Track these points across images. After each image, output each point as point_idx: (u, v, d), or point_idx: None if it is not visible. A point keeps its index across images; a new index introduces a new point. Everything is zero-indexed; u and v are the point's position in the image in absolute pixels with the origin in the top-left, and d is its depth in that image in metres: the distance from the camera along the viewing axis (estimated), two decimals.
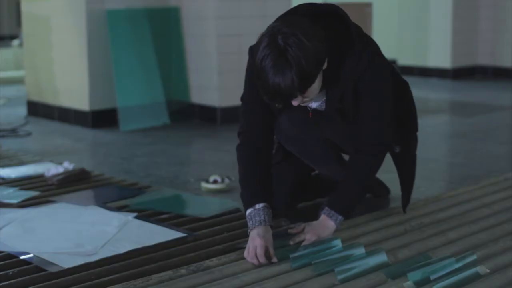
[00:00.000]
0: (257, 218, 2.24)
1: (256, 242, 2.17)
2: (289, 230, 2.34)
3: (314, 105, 2.38)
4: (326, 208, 2.32)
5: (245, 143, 2.39)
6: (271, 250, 2.17)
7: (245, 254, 2.20)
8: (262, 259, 2.14)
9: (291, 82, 2.02)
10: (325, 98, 2.33)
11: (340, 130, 2.40)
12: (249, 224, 2.25)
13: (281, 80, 2.02)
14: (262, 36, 2.08)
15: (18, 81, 6.90)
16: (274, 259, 2.16)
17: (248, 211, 2.27)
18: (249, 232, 2.24)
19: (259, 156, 2.37)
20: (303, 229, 2.32)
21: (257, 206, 2.26)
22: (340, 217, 2.31)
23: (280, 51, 2.02)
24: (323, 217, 2.32)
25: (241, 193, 2.34)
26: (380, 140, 2.35)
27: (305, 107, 2.38)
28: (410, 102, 2.59)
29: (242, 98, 2.41)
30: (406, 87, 2.57)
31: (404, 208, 2.64)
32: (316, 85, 2.14)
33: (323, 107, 2.36)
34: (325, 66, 2.15)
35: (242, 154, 2.38)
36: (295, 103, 2.15)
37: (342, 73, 2.25)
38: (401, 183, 2.63)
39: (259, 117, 2.37)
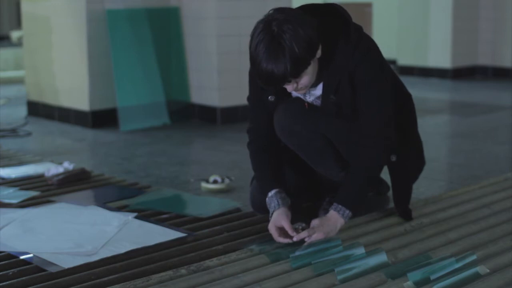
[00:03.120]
0: (272, 205, 2.38)
1: (270, 228, 2.32)
2: (294, 238, 2.31)
3: (310, 98, 2.39)
4: (335, 204, 2.32)
5: (253, 140, 2.53)
6: (286, 226, 2.29)
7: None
8: (280, 239, 2.28)
9: (283, 66, 2.10)
10: (321, 92, 2.35)
11: (336, 126, 2.40)
12: (270, 211, 2.39)
13: (274, 64, 2.10)
14: (258, 23, 2.17)
15: (18, 81, 6.90)
16: (293, 234, 2.27)
17: (267, 200, 2.40)
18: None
19: (266, 149, 2.49)
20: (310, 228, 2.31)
21: (269, 194, 2.40)
22: (347, 211, 2.31)
23: (274, 37, 2.10)
24: (332, 212, 2.32)
25: (258, 188, 2.49)
26: (380, 132, 2.34)
27: (302, 100, 2.40)
28: (410, 112, 2.59)
29: (248, 98, 2.51)
30: (408, 98, 2.58)
31: (405, 216, 2.59)
32: (310, 71, 2.20)
33: (319, 102, 2.38)
34: (319, 55, 2.21)
35: (251, 151, 2.53)
36: (289, 88, 2.23)
37: (337, 62, 2.28)
38: (393, 194, 2.60)
39: (264, 115, 2.46)
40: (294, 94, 2.41)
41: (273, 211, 2.36)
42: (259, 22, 2.16)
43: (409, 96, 2.59)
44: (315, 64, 2.22)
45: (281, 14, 2.14)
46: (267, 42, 2.10)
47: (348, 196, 2.33)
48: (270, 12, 2.18)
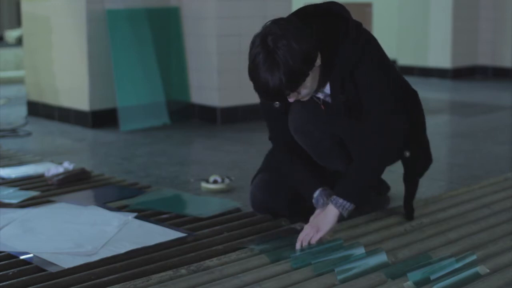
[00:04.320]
0: (319, 203, 2.40)
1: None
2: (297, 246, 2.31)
3: (321, 96, 2.40)
4: (333, 196, 2.32)
5: (276, 147, 2.56)
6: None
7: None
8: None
9: (278, 81, 2.12)
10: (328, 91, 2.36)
11: (348, 126, 2.39)
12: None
13: (270, 79, 2.12)
14: (255, 36, 2.18)
15: (18, 81, 6.90)
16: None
17: (314, 201, 2.43)
18: None
19: (292, 150, 2.50)
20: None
21: (315, 194, 2.42)
22: (348, 203, 2.29)
23: (269, 52, 2.12)
24: (328, 206, 2.32)
25: (298, 189, 2.50)
26: (383, 121, 2.33)
27: (317, 101, 2.40)
28: (418, 109, 2.60)
29: (260, 103, 2.50)
30: (415, 95, 2.60)
31: (409, 216, 2.61)
32: (309, 82, 2.21)
33: (329, 99, 2.39)
34: (318, 63, 2.21)
35: (279, 158, 2.56)
36: (291, 100, 2.24)
37: (340, 61, 2.28)
38: (405, 189, 2.62)
39: (278, 118, 2.48)
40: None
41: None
42: (256, 36, 2.17)
43: (415, 92, 2.60)
44: (316, 73, 2.23)
45: (277, 28, 2.14)
46: (263, 58, 2.12)
47: (347, 188, 2.32)
48: (267, 24, 2.18)
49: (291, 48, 2.11)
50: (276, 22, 2.18)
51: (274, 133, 2.54)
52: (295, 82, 2.15)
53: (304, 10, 2.34)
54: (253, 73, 2.15)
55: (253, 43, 2.17)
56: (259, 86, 2.16)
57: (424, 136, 2.63)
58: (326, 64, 2.25)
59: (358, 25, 2.33)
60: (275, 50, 2.10)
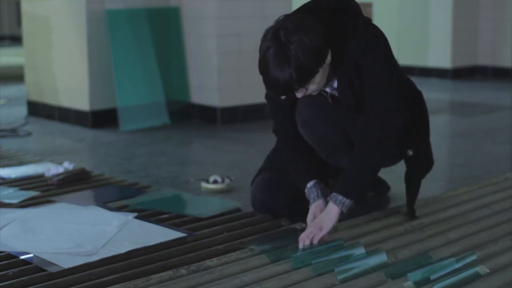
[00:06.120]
0: (311, 196, 2.42)
1: (308, 221, 2.37)
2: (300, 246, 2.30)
3: (329, 89, 2.40)
4: (333, 193, 2.31)
5: (280, 139, 2.56)
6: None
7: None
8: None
9: (289, 76, 2.11)
10: (336, 85, 2.36)
11: (355, 121, 2.39)
12: (310, 202, 2.42)
13: (280, 74, 2.12)
14: (267, 30, 2.17)
15: (18, 75, 6.88)
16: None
17: (306, 192, 2.43)
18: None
19: (296, 144, 2.49)
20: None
21: (308, 185, 2.43)
22: (347, 200, 2.29)
23: (281, 47, 2.11)
24: (328, 204, 2.32)
25: (295, 182, 2.50)
26: (384, 108, 2.32)
27: (325, 95, 2.40)
28: (423, 108, 2.61)
29: (265, 96, 2.50)
30: (419, 95, 2.62)
31: (411, 214, 2.61)
32: (319, 79, 2.21)
33: (336, 93, 2.39)
34: (329, 60, 2.21)
35: (282, 149, 2.55)
36: (299, 95, 2.24)
37: (347, 58, 2.29)
38: (407, 189, 2.62)
39: (284, 111, 2.48)
40: None
41: (312, 203, 2.39)
42: (268, 29, 2.17)
43: (419, 93, 2.61)
44: (325, 70, 2.23)
45: (290, 23, 2.14)
46: (275, 51, 2.11)
47: (347, 184, 2.31)
48: (280, 18, 2.18)
49: (303, 44, 2.10)
50: (289, 16, 2.19)
51: (279, 126, 2.54)
52: (305, 78, 2.15)
53: (315, 4, 2.34)
54: (263, 67, 2.15)
55: (264, 36, 2.16)
56: (269, 80, 2.15)
57: (427, 136, 2.63)
58: (335, 60, 2.25)
59: (367, 20, 2.34)
60: (287, 45, 2.10)
